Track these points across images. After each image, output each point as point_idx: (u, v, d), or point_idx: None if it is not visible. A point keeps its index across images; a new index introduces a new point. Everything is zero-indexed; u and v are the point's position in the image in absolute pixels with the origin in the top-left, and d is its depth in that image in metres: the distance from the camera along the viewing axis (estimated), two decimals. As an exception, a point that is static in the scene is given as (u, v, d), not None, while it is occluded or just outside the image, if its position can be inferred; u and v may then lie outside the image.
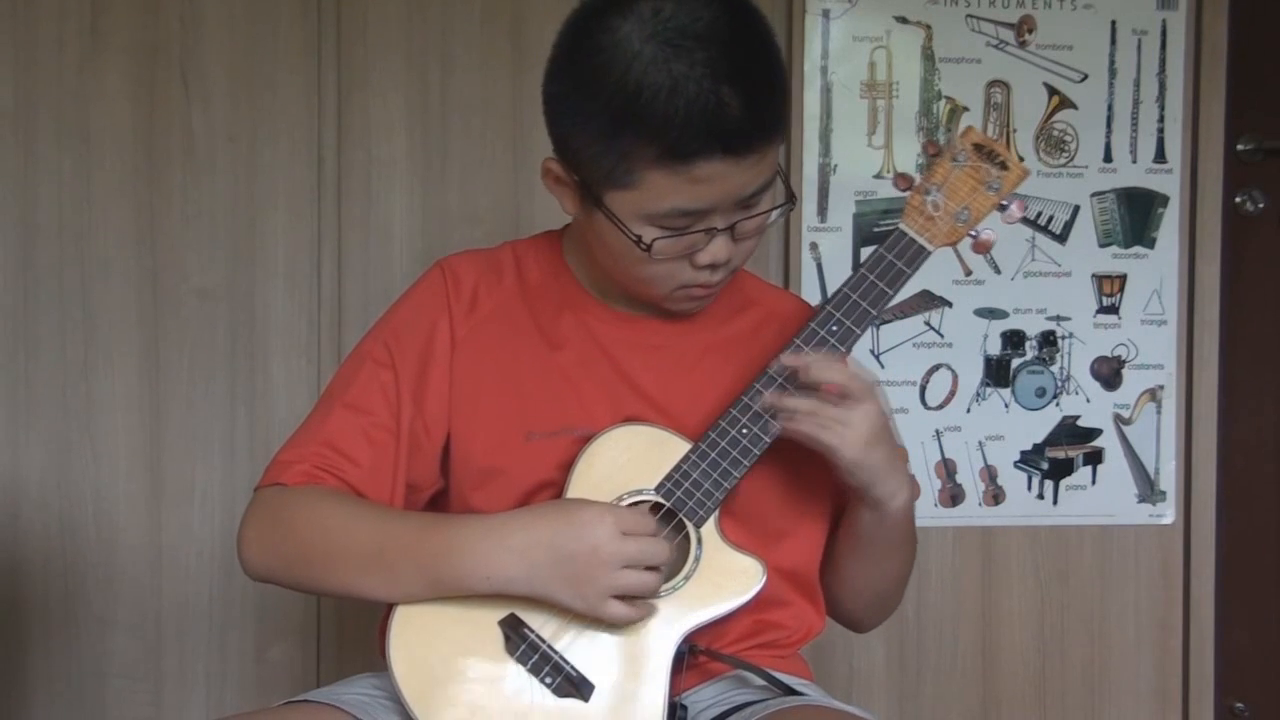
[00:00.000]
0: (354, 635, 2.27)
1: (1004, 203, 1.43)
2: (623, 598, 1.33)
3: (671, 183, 1.32)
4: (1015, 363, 2.42)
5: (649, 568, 1.34)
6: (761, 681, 1.44)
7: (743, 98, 1.29)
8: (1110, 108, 2.41)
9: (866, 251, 2.34)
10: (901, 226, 1.42)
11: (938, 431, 2.40)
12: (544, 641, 1.36)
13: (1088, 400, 2.43)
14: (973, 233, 1.43)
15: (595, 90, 1.31)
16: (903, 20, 2.37)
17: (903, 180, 2.33)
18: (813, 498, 1.52)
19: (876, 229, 2.35)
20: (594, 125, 1.33)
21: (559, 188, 1.42)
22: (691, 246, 1.37)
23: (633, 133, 1.30)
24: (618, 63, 1.30)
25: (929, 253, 1.42)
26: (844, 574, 1.54)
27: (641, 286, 1.43)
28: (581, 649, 1.36)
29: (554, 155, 1.40)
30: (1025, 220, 2.39)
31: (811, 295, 2.33)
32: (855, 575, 1.53)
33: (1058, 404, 2.42)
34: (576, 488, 1.40)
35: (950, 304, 2.39)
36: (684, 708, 1.41)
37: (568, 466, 1.42)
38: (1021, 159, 2.35)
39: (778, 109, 1.36)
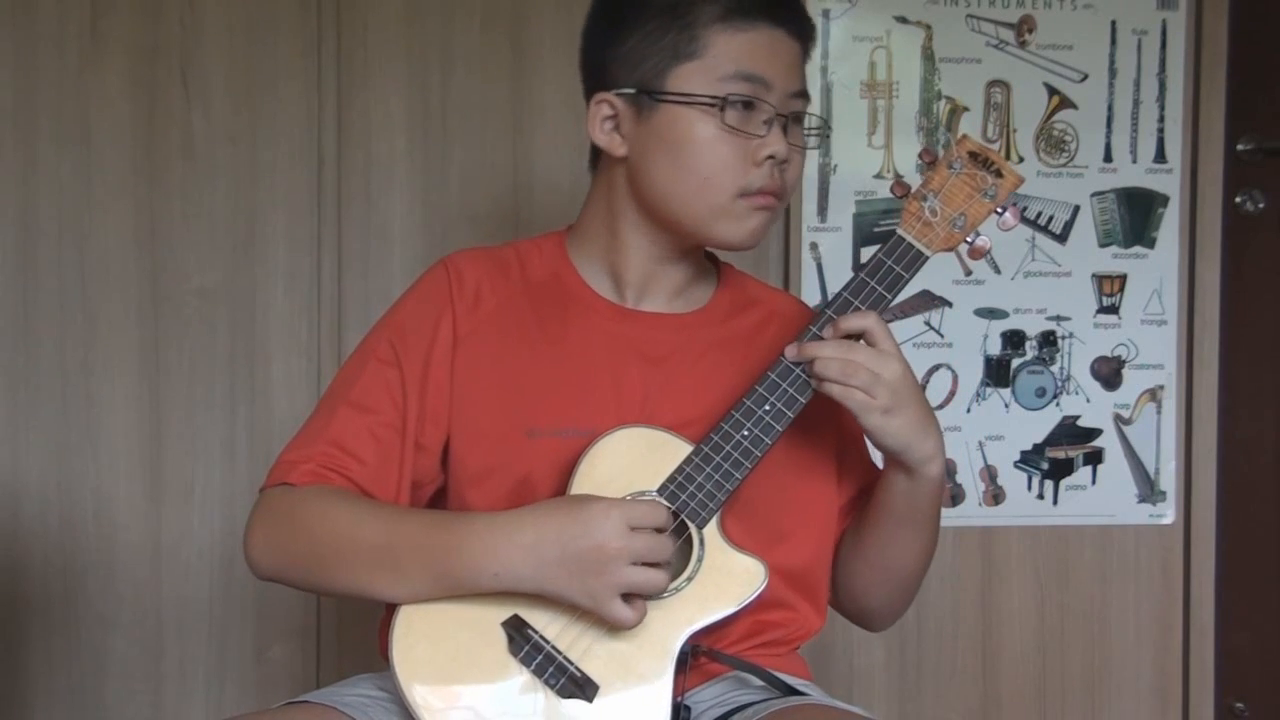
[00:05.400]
0: (354, 635, 2.27)
1: (999, 209, 1.44)
2: (628, 598, 1.33)
3: (735, 42, 1.42)
4: (1015, 363, 2.42)
5: (656, 564, 1.33)
6: (761, 681, 1.44)
7: None
8: (1110, 108, 2.41)
9: (867, 251, 2.34)
10: (899, 232, 1.43)
11: (938, 431, 2.40)
12: (548, 642, 1.36)
13: (1088, 400, 2.43)
14: (968, 239, 1.44)
15: None
16: (903, 20, 2.37)
17: (899, 186, 2.33)
18: (816, 498, 1.53)
19: (876, 229, 2.35)
20: (655, 8, 1.42)
21: (608, 130, 1.47)
22: (755, 125, 1.42)
23: None
24: None
25: (926, 258, 1.43)
26: (869, 554, 1.52)
27: (703, 197, 1.44)
28: (585, 650, 1.36)
29: (599, 93, 1.47)
30: (1025, 220, 2.39)
31: (811, 296, 2.33)
32: (881, 554, 1.51)
33: (1058, 404, 2.43)
34: (579, 491, 1.39)
35: (950, 304, 2.39)
36: (688, 709, 1.41)
37: (567, 465, 1.42)
38: (1022, 159, 2.39)
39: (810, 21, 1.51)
